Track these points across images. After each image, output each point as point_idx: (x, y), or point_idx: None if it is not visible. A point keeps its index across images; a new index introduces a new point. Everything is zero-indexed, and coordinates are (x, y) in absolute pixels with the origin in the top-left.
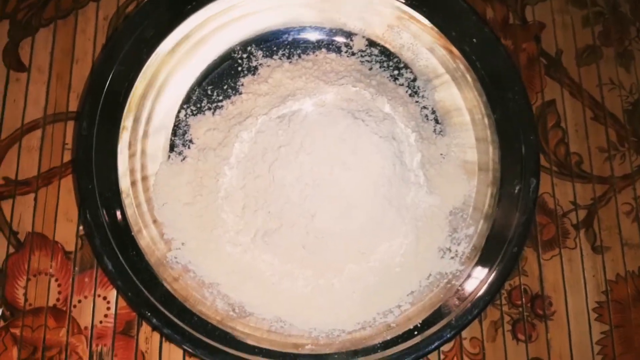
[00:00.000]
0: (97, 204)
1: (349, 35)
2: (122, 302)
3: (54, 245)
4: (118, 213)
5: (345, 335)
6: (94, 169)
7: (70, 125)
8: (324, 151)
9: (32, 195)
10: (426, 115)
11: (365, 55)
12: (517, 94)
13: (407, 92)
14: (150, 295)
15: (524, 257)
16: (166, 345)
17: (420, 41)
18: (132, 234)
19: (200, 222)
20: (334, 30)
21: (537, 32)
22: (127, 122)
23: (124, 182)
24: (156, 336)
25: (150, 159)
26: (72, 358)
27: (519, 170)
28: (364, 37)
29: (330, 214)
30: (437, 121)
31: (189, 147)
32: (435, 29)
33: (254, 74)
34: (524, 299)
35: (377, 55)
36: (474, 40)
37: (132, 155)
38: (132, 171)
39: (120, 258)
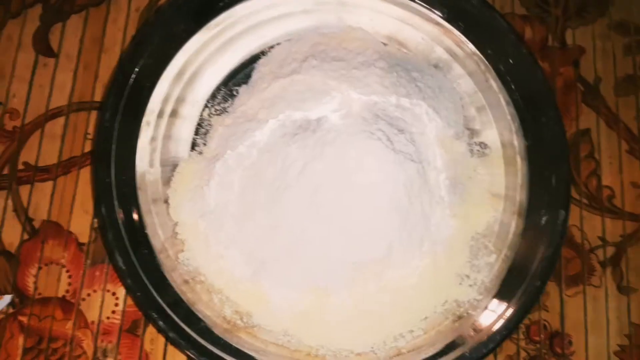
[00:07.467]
0: (113, 198)
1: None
2: (131, 300)
3: (68, 236)
4: (134, 209)
5: (353, 356)
6: (112, 163)
7: (94, 115)
8: (342, 168)
9: (51, 183)
10: (457, 133)
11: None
12: (552, 120)
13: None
14: (158, 297)
15: (545, 291)
16: (171, 348)
17: (455, 59)
18: (146, 231)
19: (211, 225)
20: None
21: (576, 56)
22: (150, 117)
23: (142, 179)
24: (161, 338)
25: (172, 157)
26: (77, 352)
27: (547, 201)
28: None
29: (348, 237)
30: (467, 143)
31: (208, 146)
32: (471, 45)
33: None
34: (542, 336)
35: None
36: (510, 59)
37: (153, 152)
38: (152, 168)
39: (132, 256)
